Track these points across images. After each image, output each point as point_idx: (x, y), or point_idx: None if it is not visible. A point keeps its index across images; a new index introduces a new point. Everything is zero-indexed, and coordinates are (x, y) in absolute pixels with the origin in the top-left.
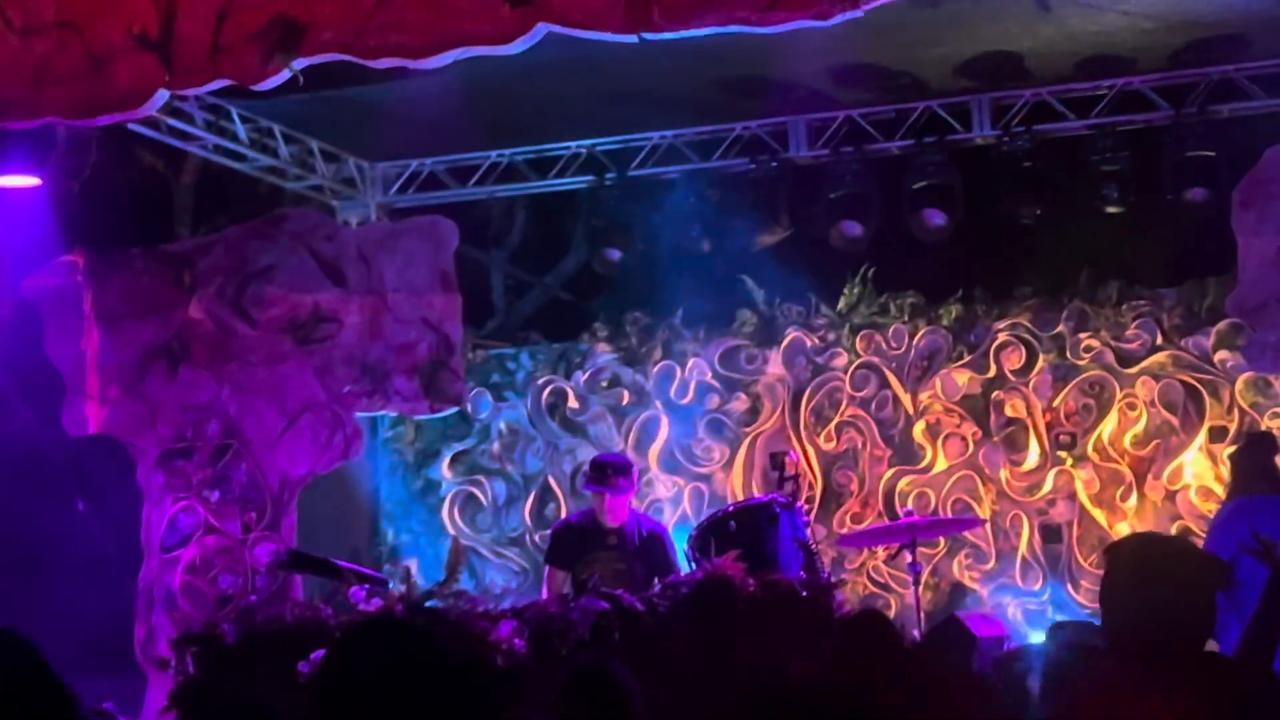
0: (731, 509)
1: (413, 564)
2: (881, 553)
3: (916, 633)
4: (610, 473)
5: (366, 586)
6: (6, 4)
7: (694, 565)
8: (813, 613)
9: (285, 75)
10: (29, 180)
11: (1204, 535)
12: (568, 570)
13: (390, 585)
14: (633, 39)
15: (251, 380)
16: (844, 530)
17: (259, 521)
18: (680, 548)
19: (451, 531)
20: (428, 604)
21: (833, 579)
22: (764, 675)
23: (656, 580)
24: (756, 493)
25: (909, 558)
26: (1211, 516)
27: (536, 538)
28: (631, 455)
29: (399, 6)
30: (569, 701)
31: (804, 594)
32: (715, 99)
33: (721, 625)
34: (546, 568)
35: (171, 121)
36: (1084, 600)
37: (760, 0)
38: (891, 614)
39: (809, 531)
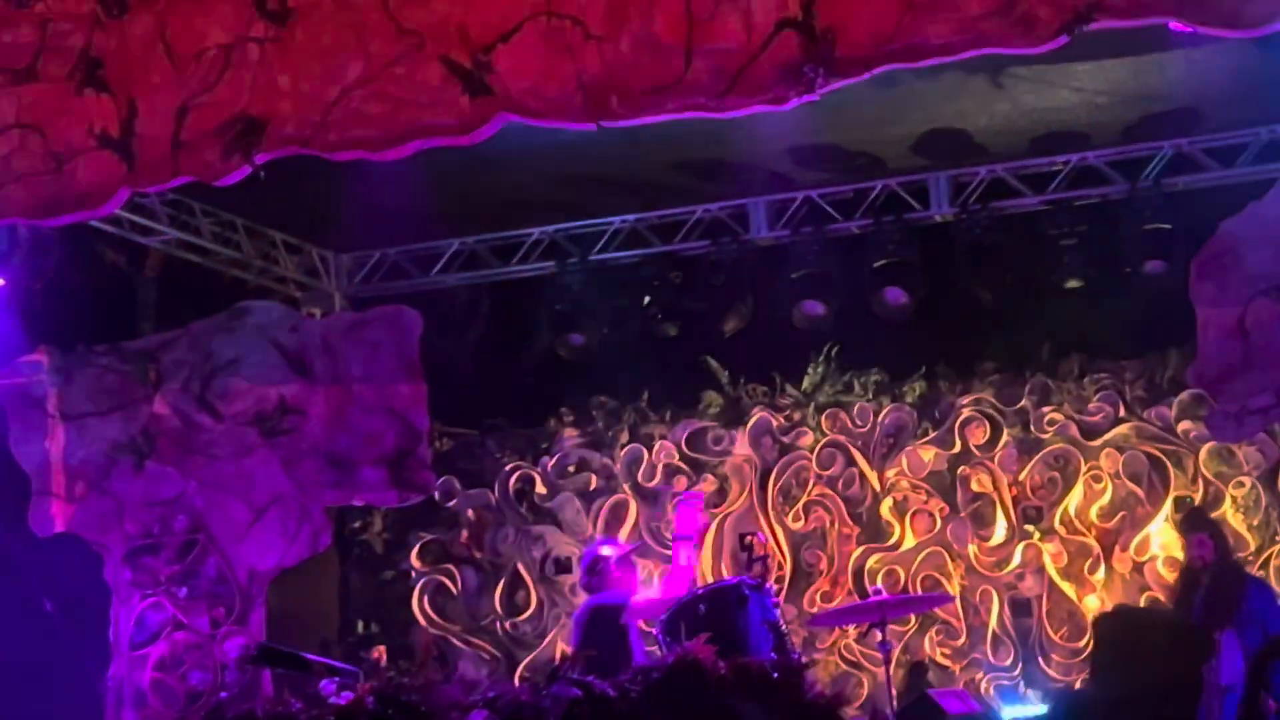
0: (701, 592)
1: (381, 652)
2: (853, 631)
3: (889, 712)
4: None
5: (337, 680)
6: None
7: (664, 649)
8: (784, 695)
9: (246, 171)
10: None
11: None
12: None
13: (361, 678)
14: (591, 128)
15: (218, 474)
16: (814, 610)
17: (228, 616)
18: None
19: (422, 621)
20: (401, 696)
21: (803, 660)
22: None
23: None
24: (726, 574)
25: (879, 636)
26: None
27: (507, 625)
28: (601, 538)
29: (358, 100)
30: None
31: (775, 676)
32: (675, 182)
33: (693, 709)
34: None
35: (134, 218)
36: (1055, 674)
37: (716, 87)
38: (864, 692)
39: (778, 612)
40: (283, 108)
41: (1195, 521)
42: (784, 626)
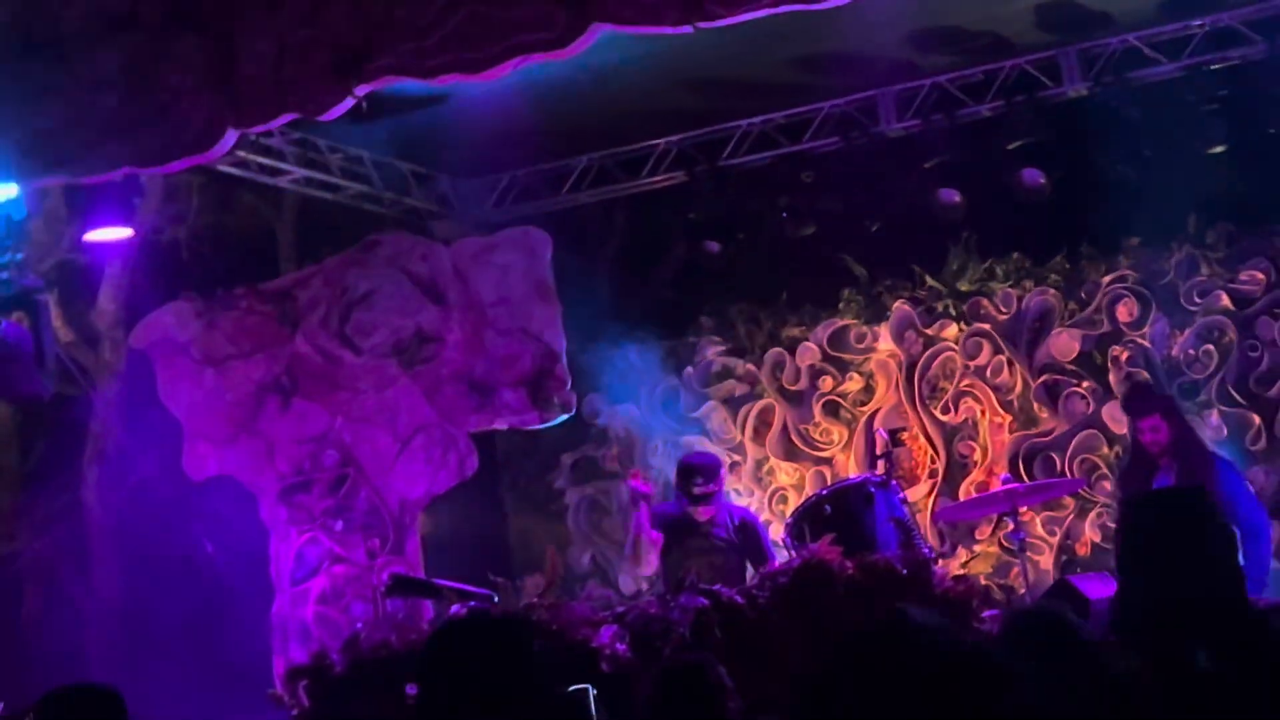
0: (825, 493)
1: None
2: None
3: (1028, 599)
4: (696, 481)
5: (471, 603)
6: (72, 59)
7: (791, 552)
8: (914, 589)
9: (350, 103)
10: (122, 232)
11: None
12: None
13: (495, 600)
14: (687, 30)
15: (362, 407)
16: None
17: (384, 546)
18: None
19: (577, 539)
20: (530, 616)
21: (932, 553)
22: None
23: (753, 570)
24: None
25: (1011, 525)
26: None
27: None
28: (749, 445)
29: (454, 24)
30: (663, 699)
31: (903, 571)
32: (798, 79)
33: (823, 610)
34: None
35: (261, 160)
36: None
37: None
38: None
39: (906, 508)
40: (379, 37)
41: (1144, 401)
42: (910, 521)
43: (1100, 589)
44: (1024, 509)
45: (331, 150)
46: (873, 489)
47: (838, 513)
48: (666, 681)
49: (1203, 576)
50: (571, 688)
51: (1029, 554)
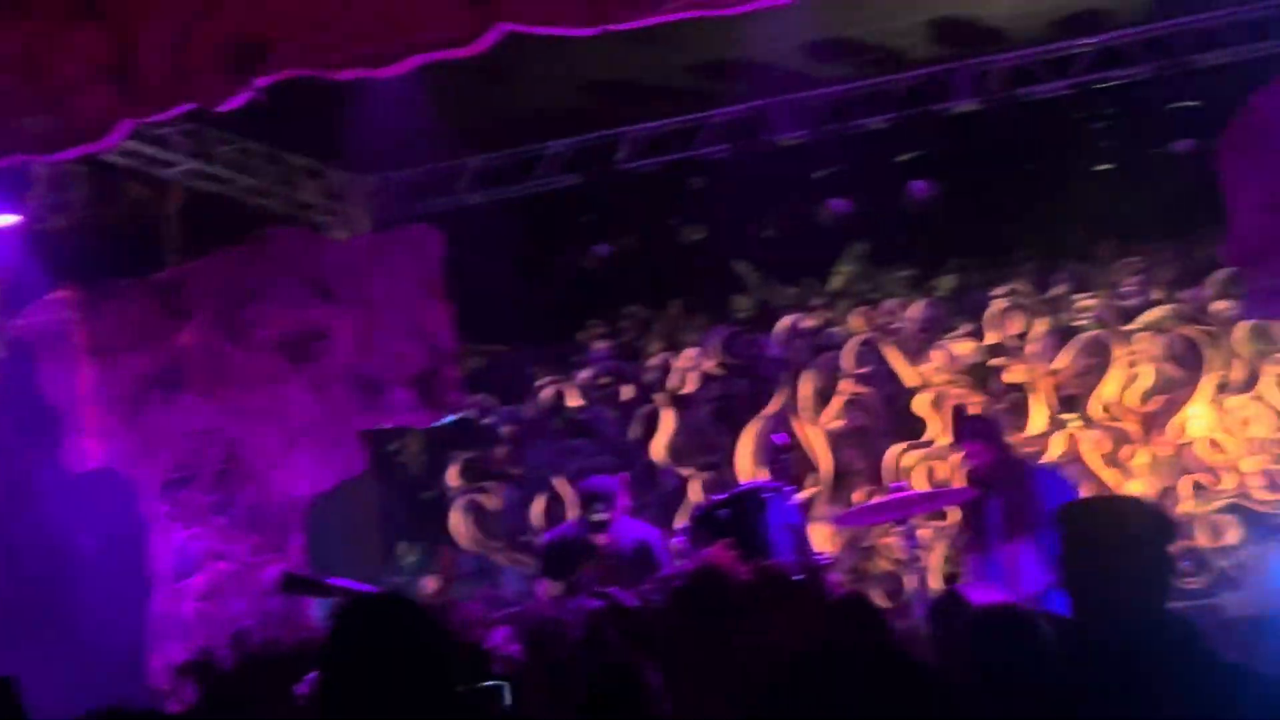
0: (721, 498)
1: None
2: (894, 529)
3: (916, 608)
4: (596, 508)
5: None
6: None
7: (686, 556)
8: (806, 595)
9: (248, 95)
10: (8, 218)
11: (1213, 488)
12: (562, 580)
13: None
14: (592, 32)
15: (249, 402)
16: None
17: (266, 543)
18: None
19: (462, 540)
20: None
21: (824, 560)
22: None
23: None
24: (763, 477)
25: (906, 533)
26: (1218, 467)
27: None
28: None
29: (357, 17)
30: (596, 700)
31: (797, 577)
32: (693, 85)
33: (717, 614)
34: (543, 582)
35: (152, 150)
36: None
37: None
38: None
39: (799, 515)
40: (281, 29)
41: (967, 429)
42: (804, 528)
43: (989, 597)
44: (916, 517)
45: (222, 142)
46: (767, 495)
47: (733, 518)
48: (598, 683)
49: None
50: (486, 683)
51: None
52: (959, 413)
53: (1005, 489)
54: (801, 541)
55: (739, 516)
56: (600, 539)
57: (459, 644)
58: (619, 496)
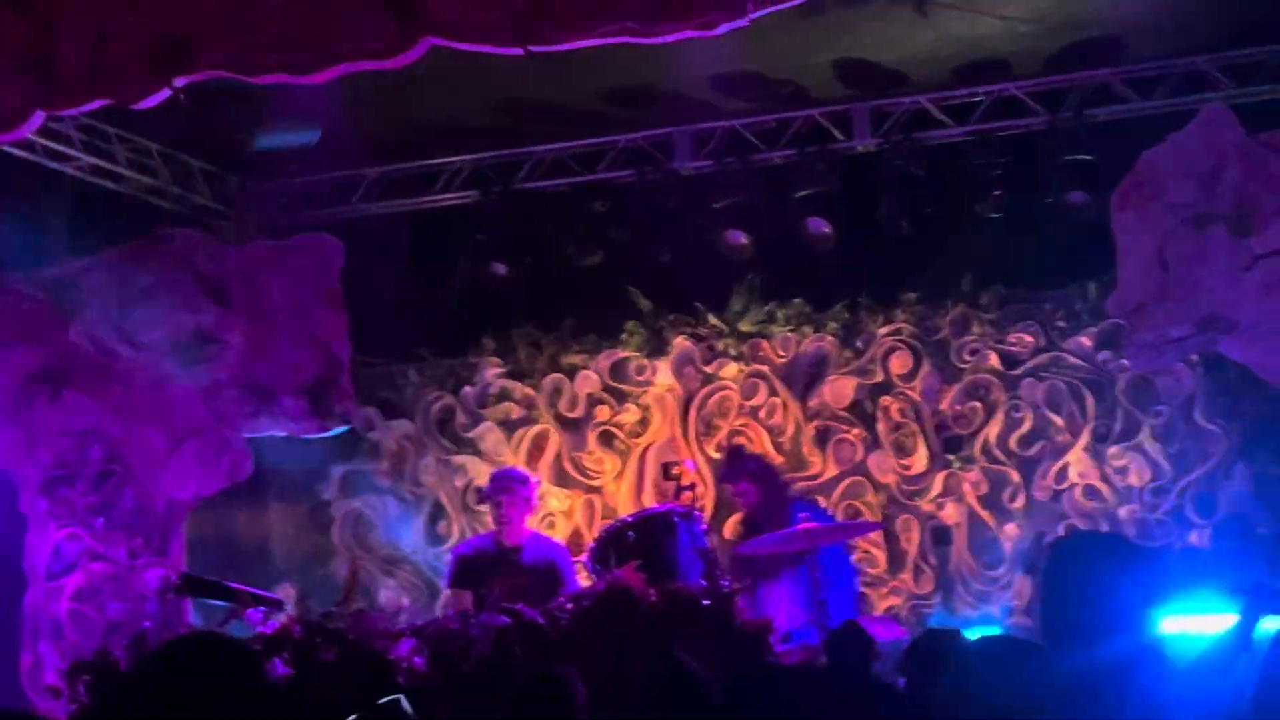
0: (630, 519)
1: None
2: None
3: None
4: (509, 481)
5: (263, 609)
6: None
7: (594, 577)
8: (714, 620)
9: (166, 94)
10: None
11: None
12: (470, 591)
13: (286, 606)
14: (519, 52)
15: (135, 403)
16: (734, 538)
17: (146, 546)
18: None
19: (342, 551)
20: (328, 625)
21: (731, 586)
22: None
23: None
24: (648, 503)
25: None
26: (1095, 514)
27: (429, 555)
28: (523, 469)
29: (282, 23)
30: (521, 708)
31: (705, 603)
32: (599, 110)
33: (623, 636)
34: (449, 591)
35: (47, 143)
36: (973, 601)
37: (646, 11)
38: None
39: (708, 540)
40: (205, 30)
41: (732, 466)
42: (713, 554)
43: (885, 632)
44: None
45: (120, 139)
46: (676, 519)
47: (641, 540)
48: (526, 691)
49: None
50: (383, 699)
51: None
52: (735, 452)
53: (768, 528)
54: (711, 567)
55: (648, 538)
56: (509, 538)
57: (357, 656)
58: (531, 490)
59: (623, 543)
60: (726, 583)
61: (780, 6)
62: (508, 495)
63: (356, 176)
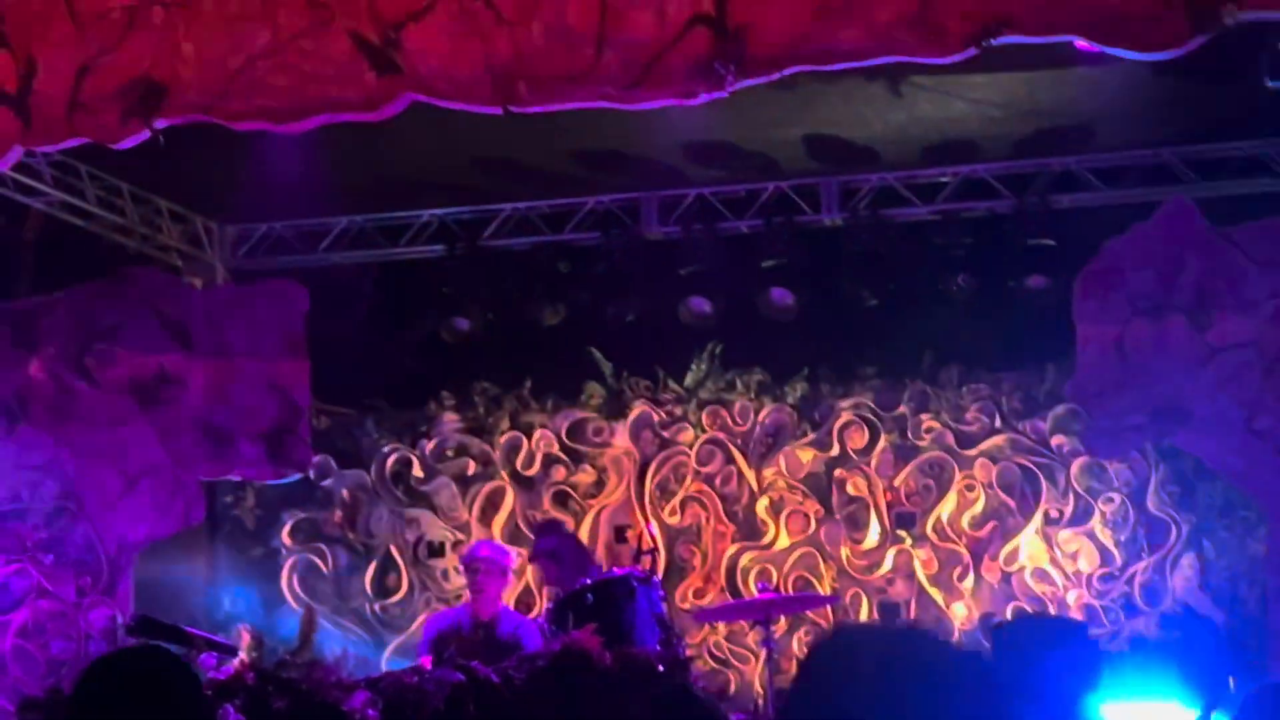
0: (589, 582)
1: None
2: (723, 629)
3: (767, 707)
4: (488, 554)
5: (216, 655)
6: None
7: (550, 637)
8: (669, 687)
9: (144, 135)
10: None
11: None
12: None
13: (240, 653)
14: (497, 112)
15: (92, 441)
16: (686, 605)
17: (94, 586)
18: None
19: (290, 600)
20: (281, 673)
21: (687, 654)
22: None
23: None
24: (601, 565)
25: (762, 634)
26: (1044, 597)
27: (377, 607)
28: (475, 526)
29: (263, 70)
30: None
31: (660, 669)
32: (569, 171)
33: (578, 698)
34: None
35: (18, 177)
36: None
37: (626, 78)
38: (731, 689)
39: (665, 606)
40: (185, 74)
41: (534, 544)
42: (670, 620)
43: None
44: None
45: (91, 177)
46: (636, 583)
47: (600, 603)
48: None
49: None
50: None
51: (735, 664)
52: (536, 528)
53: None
54: (668, 634)
55: (607, 602)
56: (484, 612)
57: (309, 707)
58: (508, 562)
59: (581, 605)
60: (682, 649)
61: (758, 80)
62: (485, 567)
63: (325, 225)
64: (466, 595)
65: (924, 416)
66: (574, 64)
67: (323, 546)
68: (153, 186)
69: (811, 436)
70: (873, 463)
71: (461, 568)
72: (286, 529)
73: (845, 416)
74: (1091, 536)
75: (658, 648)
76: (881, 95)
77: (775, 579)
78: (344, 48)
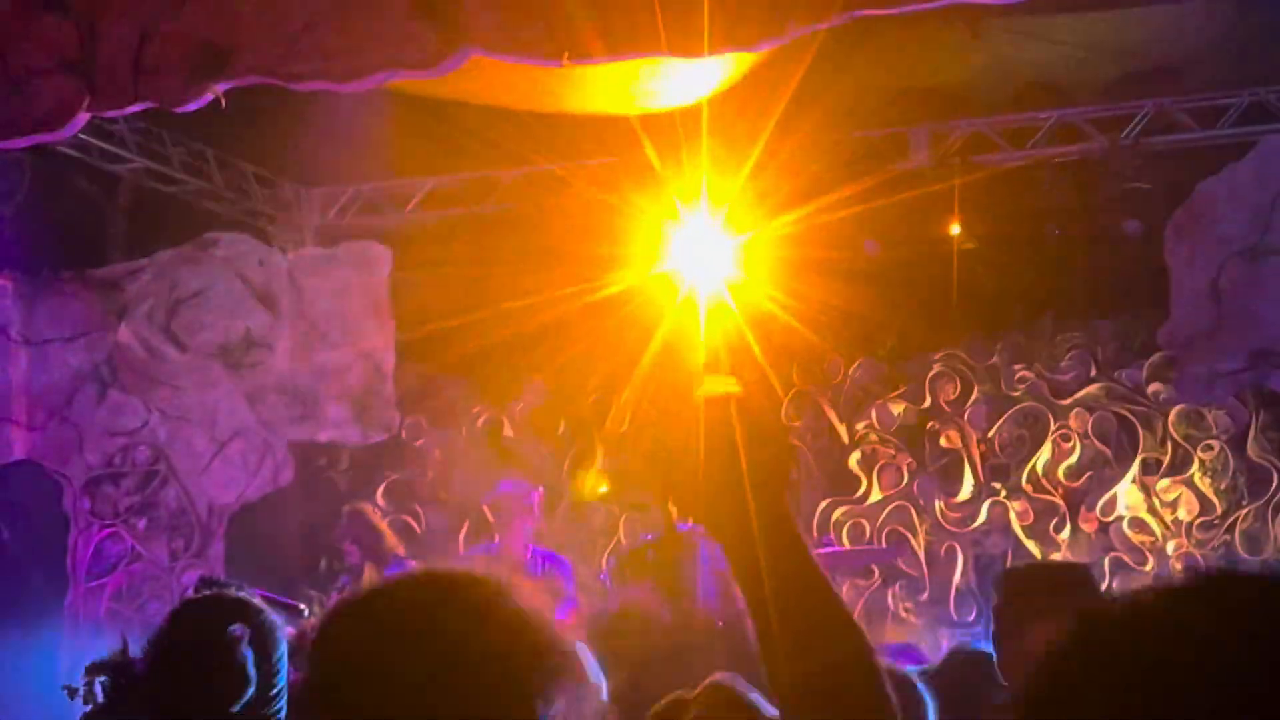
0: (650, 537)
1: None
2: None
3: None
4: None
5: (282, 615)
6: None
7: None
8: (728, 643)
9: (208, 98)
10: None
11: (1137, 568)
12: None
13: (305, 613)
14: (557, 64)
15: (181, 406)
16: None
17: (186, 549)
18: None
19: (388, 560)
20: None
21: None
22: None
23: None
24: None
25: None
26: (1142, 547)
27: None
28: (566, 483)
29: (323, 32)
30: None
31: (719, 624)
32: None
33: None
34: None
35: (104, 145)
36: None
37: (690, 31)
38: None
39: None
40: (246, 37)
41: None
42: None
43: (905, 660)
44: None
45: (175, 144)
46: (699, 539)
47: (661, 558)
48: None
49: None
50: None
51: None
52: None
53: None
54: (728, 588)
55: (667, 556)
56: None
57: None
58: (533, 502)
59: (642, 561)
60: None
61: (821, 25)
62: (508, 505)
63: (411, 185)
64: (498, 538)
65: (1017, 367)
66: (634, 19)
67: (416, 506)
68: (239, 151)
69: (903, 389)
70: (966, 415)
71: (487, 509)
72: (380, 490)
73: (937, 368)
74: (1190, 485)
75: (718, 604)
76: (962, 40)
77: (868, 532)
78: (402, 5)
